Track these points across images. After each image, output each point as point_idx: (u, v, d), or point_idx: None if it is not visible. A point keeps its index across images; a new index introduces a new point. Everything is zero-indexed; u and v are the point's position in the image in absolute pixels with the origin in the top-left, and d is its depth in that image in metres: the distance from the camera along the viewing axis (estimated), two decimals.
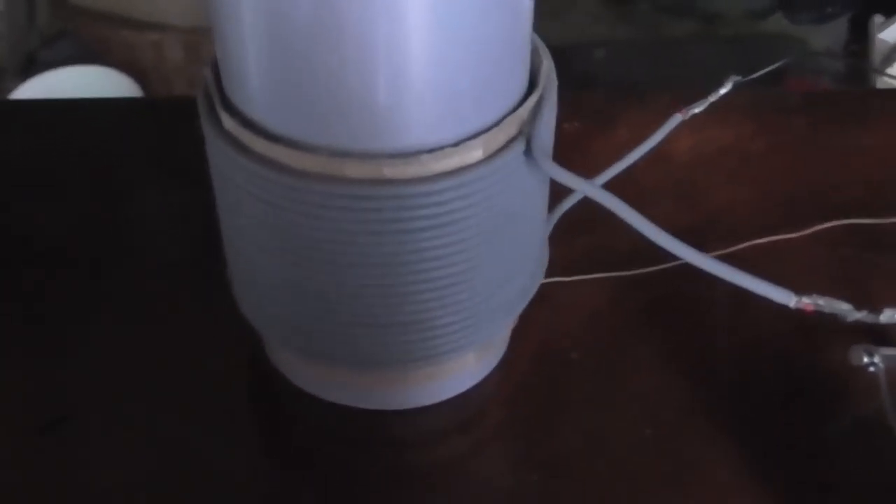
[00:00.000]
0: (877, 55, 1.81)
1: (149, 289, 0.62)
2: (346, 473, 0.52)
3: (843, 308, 0.43)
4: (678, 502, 0.50)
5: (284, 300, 0.49)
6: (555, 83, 0.48)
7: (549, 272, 0.56)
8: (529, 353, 0.58)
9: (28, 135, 0.76)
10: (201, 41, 1.73)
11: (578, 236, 0.63)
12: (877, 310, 0.45)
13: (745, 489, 0.50)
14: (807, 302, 0.43)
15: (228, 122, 0.45)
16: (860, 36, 1.92)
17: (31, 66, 1.80)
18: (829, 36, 2.00)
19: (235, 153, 0.45)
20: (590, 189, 0.46)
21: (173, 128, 0.70)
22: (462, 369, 0.54)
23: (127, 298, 0.61)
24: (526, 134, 0.46)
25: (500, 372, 0.57)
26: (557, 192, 0.55)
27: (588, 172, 0.50)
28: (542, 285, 0.55)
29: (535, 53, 0.48)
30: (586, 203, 0.61)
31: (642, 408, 0.55)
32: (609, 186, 0.54)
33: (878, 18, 1.87)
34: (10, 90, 1.70)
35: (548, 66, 0.48)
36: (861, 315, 0.44)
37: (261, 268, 0.49)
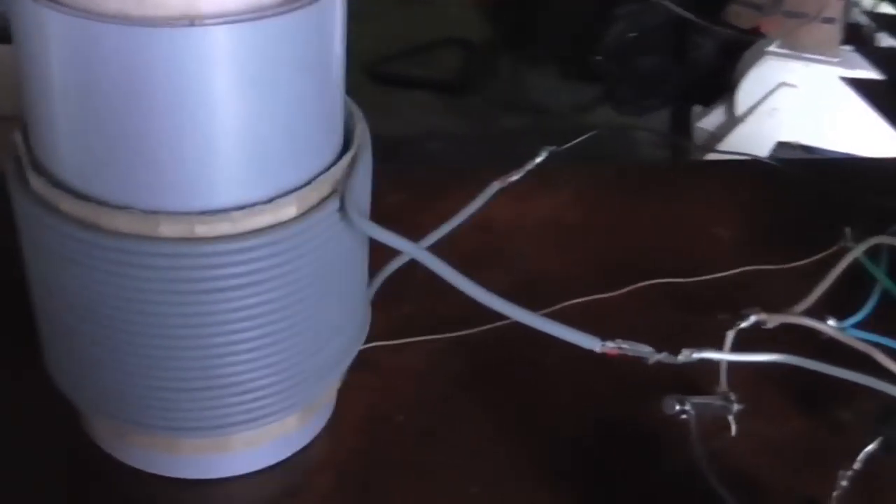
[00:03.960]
0: (696, 142, 1.92)
1: None
2: None
3: (645, 350, 0.46)
4: None
5: (97, 365, 0.48)
6: (369, 144, 0.50)
7: (373, 337, 0.57)
8: (355, 416, 0.58)
9: None
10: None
11: (400, 302, 0.64)
12: (675, 352, 0.47)
13: None
14: (611, 346, 0.46)
15: (36, 181, 0.45)
16: (681, 126, 2.03)
17: None
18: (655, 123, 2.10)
19: (43, 213, 0.44)
20: (408, 247, 0.47)
21: None
22: (285, 434, 0.54)
23: None
24: (340, 192, 0.47)
25: (325, 436, 0.57)
26: (380, 259, 0.56)
27: (413, 240, 0.51)
28: (367, 350, 0.56)
29: (349, 117, 0.50)
30: (408, 271, 0.63)
31: (468, 466, 0.55)
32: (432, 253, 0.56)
33: (696, 108, 2.00)
34: None
35: (362, 128, 0.50)
36: (661, 356, 0.46)
37: (73, 333, 0.48)
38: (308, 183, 0.46)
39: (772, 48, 1.87)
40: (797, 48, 1.86)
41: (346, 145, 0.49)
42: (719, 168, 0.91)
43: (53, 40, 0.41)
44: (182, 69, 0.40)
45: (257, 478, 0.54)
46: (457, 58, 2.22)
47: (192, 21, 0.39)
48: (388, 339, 0.62)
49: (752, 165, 0.89)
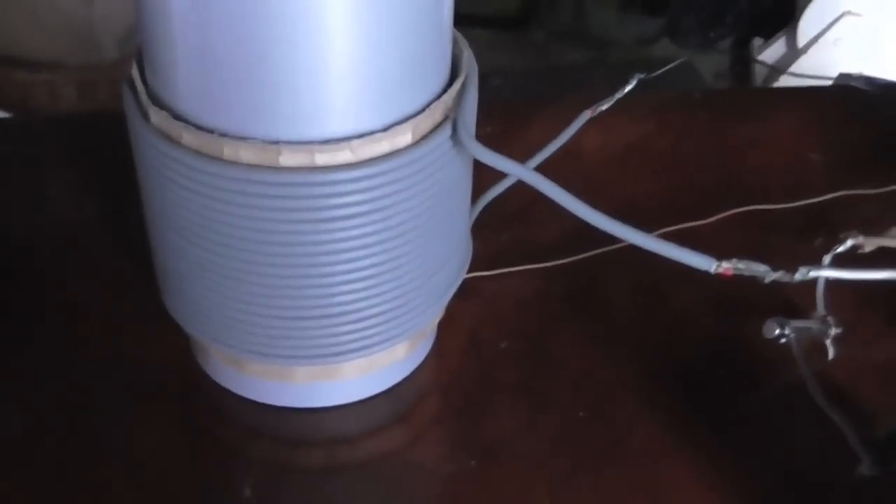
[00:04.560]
0: (758, 76, 1.89)
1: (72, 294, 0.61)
2: (281, 473, 0.52)
3: (761, 269, 0.46)
4: (614, 473, 0.52)
5: (214, 296, 0.49)
6: (476, 71, 0.50)
7: (473, 266, 0.57)
8: (459, 344, 0.59)
9: None
10: (96, 81, 1.72)
11: (499, 230, 0.65)
12: (791, 270, 0.47)
13: (676, 458, 0.52)
14: (727, 266, 0.46)
15: (157, 115, 0.45)
16: (742, 59, 2.00)
17: None
18: (714, 61, 2.08)
19: (165, 145, 0.45)
20: (521, 171, 0.48)
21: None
22: (394, 361, 0.55)
23: (55, 300, 0.61)
24: (452, 118, 0.47)
25: (430, 364, 0.58)
26: (478, 188, 0.57)
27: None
28: (467, 279, 0.56)
29: (455, 44, 0.50)
30: (506, 198, 0.63)
31: (573, 391, 0.56)
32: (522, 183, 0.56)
33: (757, 41, 1.96)
34: None
35: (468, 54, 0.50)
36: (777, 275, 0.46)
37: (191, 264, 0.49)
38: (422, 110, 0.46)
39: None
40: None
41: (454, 72, 0.49)
42: (807, 93, 0.90)
43: None
44: None
45: (367, 404, 0.55)
46: None
47: None
48: (486, 269, 0.62)
49: (840, 90, 0.87)
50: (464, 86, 0.48)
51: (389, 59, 0.44)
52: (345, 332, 0.50)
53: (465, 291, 0.56)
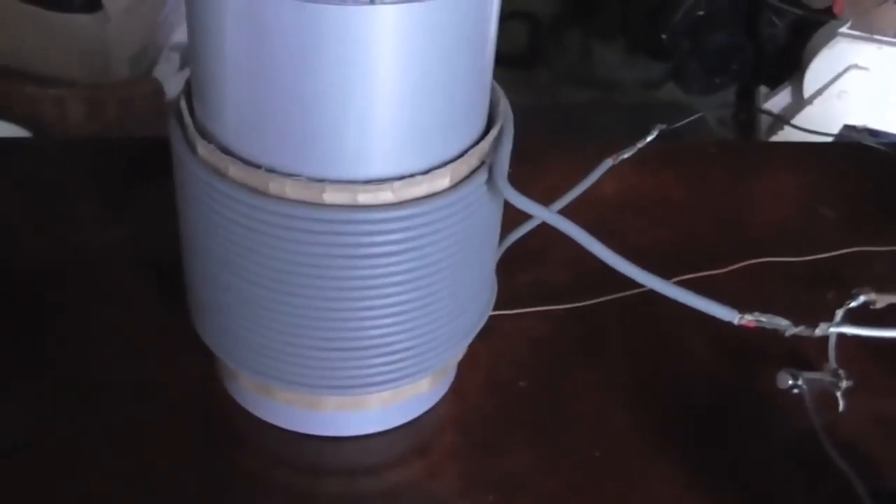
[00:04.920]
0: (762, 124, 1.92)
1: (95, 317, 0.63)
2: (303, 500, 0.53)
3: (782, 323, 0.47)
4: None
5: (249, 325, 0.51)
6: (511, 119, 0.51)
7: (494, 306, 0.59)
8: (478, 381, 0.60)
9: None
10: (105, 97, 1.73)
11: (518, 271, 0.66)
12: (812, 325, 0.48)
13: (688, 501, 0.54)
14: (749, 319, 0.47)
15: (204, 148, 0.47)
16: (747, 106, 2.03)
17: None
18: (717, 105, 2.10)
19: (212, 178, 0.47)
20: (548, 215, 0.49)
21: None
22: (416, 394, 0.56)
23: (79, 322, 0.62)
24: (489, 164, 0.49)
25: (450, 399, 0.59)
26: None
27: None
28: (488, 318, 0.58)
29: (493, 91, 0.52)
30: (526, 240, 0.65)
31: (589, 430, 0.58)
32: (544, 225, 0.58)
33: (762, 89, 1.99)
34: None
35: (504, 103, 0.52)
36: (798, 330, 0.47)
37: (229, 293, 0.50)
38: (460, 155, 0.48)
39: (844, 29, 1.85)
40: (870, 30, 1.85)
41: (491, 119, 0.51)
42: (817, 147, 0.92)
43: (232, 13, 0.43)
44: (354, 45, 0.42)
45: (389, 435, 0.57)
46: (524, 32, 2.23)
47: (373, 0, 0.41)
48: (504, 308, 0.64)
49: (849, 145, 0.90)
50: (500, 134, 0.50)
51: (433, 110, 0.45)
52: (375, 364, 0.51)
53: (484, 329, 0.58)
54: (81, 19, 1.67)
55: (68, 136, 1.60)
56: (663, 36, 2.02)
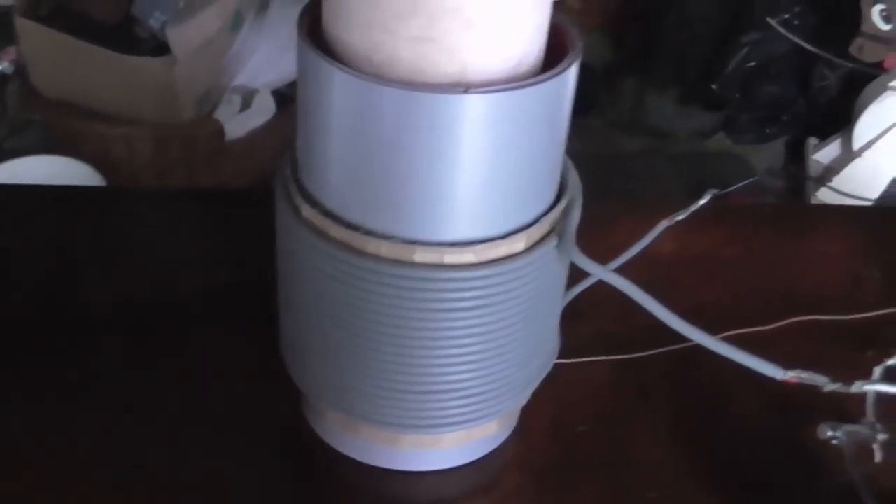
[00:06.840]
0: (811, 174, 1.95)
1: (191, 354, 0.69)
2: None
3: (821, 380, 0.52)
4: None
5: (338, 367, 0.57)
6: (580, 189, 0.57)
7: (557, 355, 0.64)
8: (542, 425, 0.66)
9: None
10: (171, 136, 1.81)
11: (579, 323, 0.71)
12: (848, 383, 0.53)
13: None
14: (791, 375, 0.52)
15: (308, 210, 0.53)
16: (796, 157, 2.06)
17: None
18: (767, 156, 2.14)
19: (314, 238, 0.53)
20: (609, 276, 0.54)
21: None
22: (485, 435, 0.62)
23: (173, 361, 0.68)
24: (559, 231, 0.55)
25: (515, 440, 0.64)
26: None
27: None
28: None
29: (563, 163, 0.57)
30: (587, 293, 0.70)
31: (645, 474, 0.63)
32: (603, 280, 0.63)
33: (812, 140, 2.03)
34: None
35: (573, 175, 0.57)
36: (836, 386, 0.52)
37: (319, 336, 0.56)
38: (534, 222, 0.54)
39: (894, 83, 1.88)
40: None
41: (561, 187, 0.57)
42: (866, 210, 0.96)
43: (339, 96, 0.49)
44: (447, 129, 0.48)
45: (459, 472, 0.62)
46: (580, 81, 2.28)
47: (467, 89, 0.47)
48: (566, 357, 0.69)
49: None
50: (570, 203, 0.56)
51: (513, 183, 0.51)
52: (450, 406, 0.57)
53: (548, 376, 0.63)
54: (151, 63, 1.75)
55: (163, 184, 1.67)
56: (714, 86, 2.07)
